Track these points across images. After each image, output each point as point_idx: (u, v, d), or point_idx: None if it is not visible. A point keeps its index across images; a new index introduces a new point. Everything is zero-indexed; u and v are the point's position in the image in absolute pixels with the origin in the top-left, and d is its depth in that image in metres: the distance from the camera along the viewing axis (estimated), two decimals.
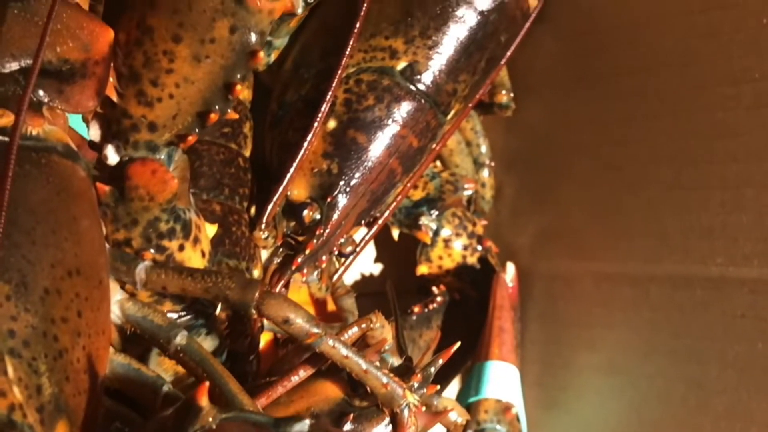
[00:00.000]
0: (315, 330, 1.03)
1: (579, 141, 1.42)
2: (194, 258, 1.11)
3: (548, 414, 1.43)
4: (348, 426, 1.04)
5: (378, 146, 1.29)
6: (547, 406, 1.43)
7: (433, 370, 1.10)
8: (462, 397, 1.37)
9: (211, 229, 1.17)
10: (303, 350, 1.11)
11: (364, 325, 1.07)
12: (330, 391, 1.08)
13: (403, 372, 1.09)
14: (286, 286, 1.31)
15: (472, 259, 1.47)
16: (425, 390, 1.09)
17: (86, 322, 0.93)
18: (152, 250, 1.08)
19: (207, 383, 0.88)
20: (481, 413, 1.32)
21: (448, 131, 1.37)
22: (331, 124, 1.30)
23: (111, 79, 1.05)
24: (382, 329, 1.12)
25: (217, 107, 1.07)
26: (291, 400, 1.06)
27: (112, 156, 1.07)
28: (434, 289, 1.46)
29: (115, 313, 1.04)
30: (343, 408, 1.07)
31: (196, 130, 1.08)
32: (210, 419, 0.86)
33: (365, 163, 1.29)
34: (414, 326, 1.42)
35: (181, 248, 1.10)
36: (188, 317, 1.12)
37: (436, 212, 1.45)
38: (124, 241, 1.08)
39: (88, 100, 1.02)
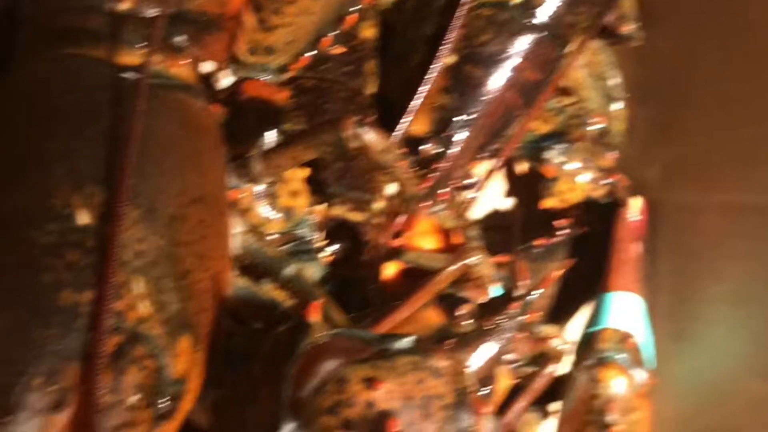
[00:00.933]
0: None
1: (707, 71, 1.40)
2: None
3: (678, 345, 1.41)
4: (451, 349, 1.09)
5: (496, 80, 1.32)
6: (677, 337, 1.41)
7: (532, 298, 1.12)
8: (586, 327, 1.37)
9: None
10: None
11: (465, 260, 1.09)
12: (431, 319, 1.12)
13: (506, 300, 1.12)
14: (412, 218, 1.35)
15: (598, 193, 1.46)
16: (524, 318, 1.11)
17: (209, 246, 1.00)
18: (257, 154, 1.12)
19: (319, 301, 0.95)
20: (601, 342, 1.32)
21: (569, 63, 1.37)
22: (450, 59, 1.32)
23: None
24: (483, 265, 1.14)
25: (328, 36, 1.11)
26: (395, 328, 1.10)
27: (226, 79, 1.13)
28: (559, 222, 1.47)
29: (235, 244, 1.11)
30: (442, 335, 1.10)
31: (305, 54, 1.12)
32: (321, 334, 0.93)
33: (483, 98, 1.32)
34: (537, 259, 1.42)
35: None
36: (293, 244, 1.16)
37: (562, 146, 1.45)
38: (239, 156, 1.13)
39: (221, 50, 1.12)
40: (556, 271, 1.36)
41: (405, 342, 0.92)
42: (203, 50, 1.11)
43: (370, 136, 1.02)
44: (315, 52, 1.20)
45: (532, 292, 1.13)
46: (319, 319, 0.93)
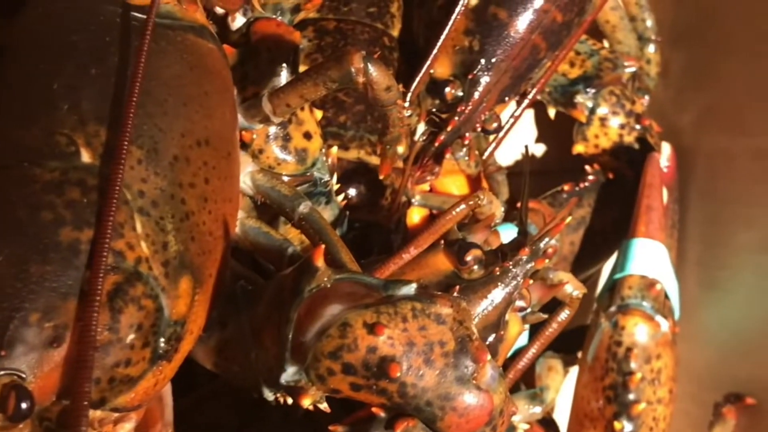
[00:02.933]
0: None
1: (744, 13, 1.35)
2: (310, 120, 1.16)
3: (708, 293, 1.39)
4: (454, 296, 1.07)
5: (520, 22, 1.29)
6: (707, 285, 1.40)
7: (542, 244, 1.10)
8: (610, 274, 1.36)
9: None
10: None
11: (472, 202, 1.07)
12: (440, 264, 1.10)
13: (515, 246, 1.10)
14: (438, 162, 1.34)
15: (629, 138, 1.44)
16: (533, 263, 1.09)
17: (213, 188, 0.99)
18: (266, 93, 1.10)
19: (323, 246, 0.94)
20: (625, 289, 1.31)
21: (599, 5, 1.34)
22: (474, 1, 1.30)
23: None
24: (491, 205, 1.12)
25: None
26: (402, 272, 1.09)
27: (239, 20, 1.12)
28: (588, 167, 1.45)
29: (247, 184, 1.10)
30: (451, 280, 1.09)
31: None
32: (325, 279, 0.92)
33: (506, 39, 1.29)
34: (564, 204, 1.41)
35: (302, 108, 1.14)
36: (307, 185, 1.16)
37: (593, 90, 1.42)
38: (252, 97, 1.11)
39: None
40: (565, 216, 1.34)
41: (409, 288, 0.91)
42: None
43: (377, 72, 0.99)
44: None
45: (542, 237, 1.10)
46: (324, 263, 0.92)
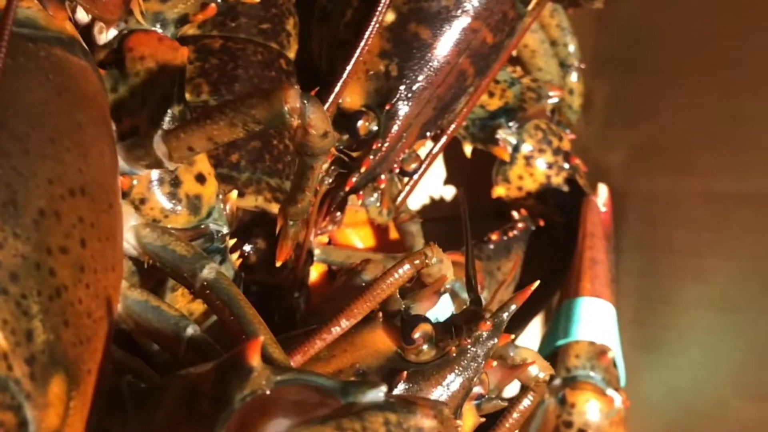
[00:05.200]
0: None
1: (686, 34, 1.23)
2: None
3: (647, 355, 1.25)
4: (401, 386, 0.87)
5: (445, 42, 1.13)
6: (647, 346, 1.25)
7: (506, 315, 0.91)
8: (549, 340, 1.21)
9: None
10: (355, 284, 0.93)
11: (417, 261, 0.87)
12: (379, 343, 0.90)
13: (471, 318, 0.90)
14: (341, 210, 1.15)
15: (557, 179, 1.29)
16: (496, 340, 0.90)
17: (92, 253, 0.78)
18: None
19: (261, 338, 0.73)
20: (572, 358, 1.16)
21: (527, 24, 1.19)
22: (390, 17, 1.13)
23: None
24: (440, 264, 0.93)
25: None
26: (332, 355, 0.89)
27: (109, 32, 0.93)
28: (514, 213, 1.29)
29: (130, 242, 0.89)
30: (394, 364, 0.89)
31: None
32: (263, 382, 0.71)
33: (430, 63, 1.13)
34: (491, 257, 1.24)
35: None
36: (201, 240, 0.95)
37: (516, 124, 1.27)
38: (129, 131, 0.92)
39: (117, 7, 0.92)
40: (512, 269, 1.18)
41: (376, 393, 0.70)
42: (93, 4, 0.91)
43: (315, 115, 0.81)
44: (221, 0, 0.97)
45: (506, 308, 0.91)
46: (260, 360, 0.71)
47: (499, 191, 1.29)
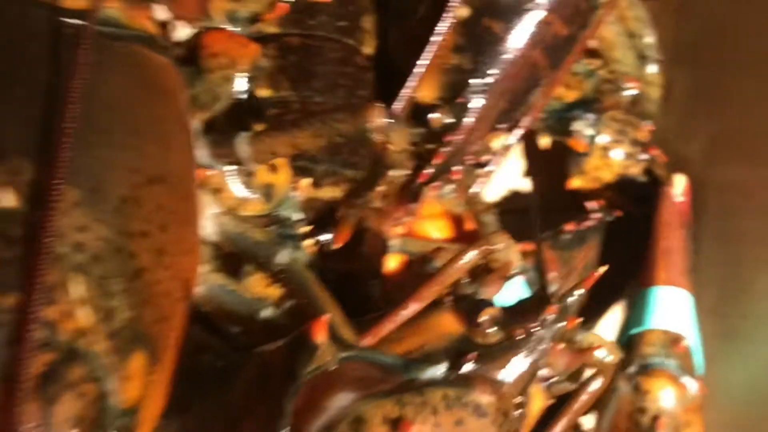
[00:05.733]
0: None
1: (765, 24, 1.23)
2: None
3: (727, 345, 1.25)
4: (469, 366, 0.90)
5: (518, 36, 1.16)
6: (726, 336, 1.25)
7: (571, 300, 0.94)
8: (624, 329, 1.22)
9: None
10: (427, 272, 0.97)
11: (484, 248, 0.91)
12: (447, 326, 0.93)
13: (538, 302, 0.93)
14: (417, 201, 1.18)
15: (634, 170, 1.29)
16: (563, 324, 0.93)
17: (170, 238, 0.84)
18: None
19: (326, 316, 0.78)
20: (646, 346, 1.16)
21: (602, 17, 1.21)
22: (463, 12, 1.16)
23: None
24: (507, 251, 0.96)
25: None
26: (402, 336, 0.92)
27: (183, 30, 0.98)
28: (590, 204, 1.31)
29: (210, 229, 0.95)
30: (461, 346, 0.92)
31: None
32: (329, 358, 0.78)
33: (503, 57, 1.16)
34: (566, 247, 1.27)
35: None
36: (273, 227, 1.00)
37: (593, 116, 1.28)
38: (206, 125, 0.97)
39: (196, 6, 1.00)
40: (592, 263, 1.20)
41: (436, 369, 0.76)
42: (173, 4, 0.97)
43: (397, 133, 0.87)
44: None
45: (573, 292, 0.93)
46: (326, 337, 0.76)
47: (576, 182, 1.30)
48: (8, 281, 0.72)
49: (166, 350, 0.82)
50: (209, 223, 0.94)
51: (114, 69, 0.86)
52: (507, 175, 1.40)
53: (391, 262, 1.24)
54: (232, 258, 0.97)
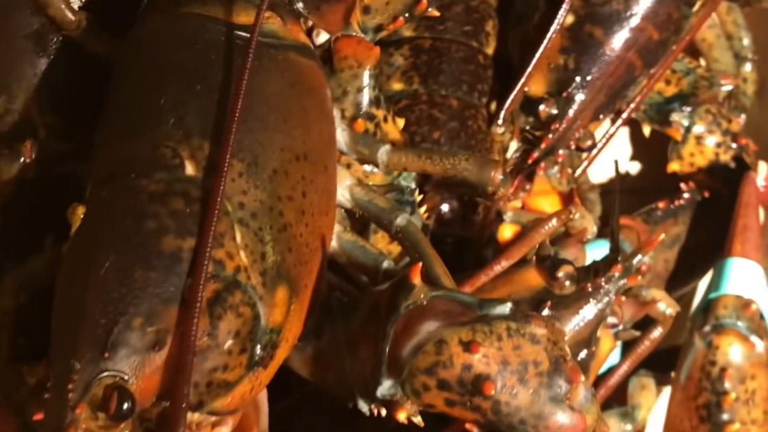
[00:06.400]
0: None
1: None
2: (394, 131, 1.17)
3: None
4: (546, 311, 1.07)
5: (615, 40, 1.30)
6: None
7: (636, 261, 1.10)
8: (705, 294, 1.34)
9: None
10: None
11: (563, 216, 1.08)
12: (531, 280, 1.11)
13: (608, 263, 1.10)
14: (529, 179, 1.35)
15: (725, 157, 1.42)
16: (625, 280, 1.09)
17: (310, 202, 1.01)
18: (363, 118, 1.13)
19: (420, 264, 0.95)
20: (720, 309, 1.28)
21: (697, 24, 1.33)
22: (569, 19, 1.31)
23: None
24: (583, 220, 1.13)
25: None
26: (494, 287, 1.10)
27: (322, 35, 1.14)
28: (683, 185, 1.43)
29: (345, 197, 1.11)
30: (542, 295, 1.10)
31: (405, 15, 1.16)
32: (422, 296, 0.93)
33: (602, 57, 1.31)
34: (659, 222, 1.40)
35: (386, 119, 1.16)
36: (393, 194, 1.16)
37: (689, 108, 1.41)
38: (342, 116, 1.14)
39: (339, 21, 1.14)
40: (660, 234, 1.32)
41: (504, 308, 0.92)
42: (321, 19, 1.14)
43: (506, 189, 1.06)
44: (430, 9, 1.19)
45: (636, 255, 1.10)
46: (420, 280, 0.94)
47: (674, 166, 1.43)
48: (188, 229, 0.89)
49: (305, 288, 0.99)
50: (344, 191, 1.11)
51: (272, 71, 1.03)
52: (616, 158, 1.51)
53: (506, 232, 1.42)
54: (361, 220, 1.14)
